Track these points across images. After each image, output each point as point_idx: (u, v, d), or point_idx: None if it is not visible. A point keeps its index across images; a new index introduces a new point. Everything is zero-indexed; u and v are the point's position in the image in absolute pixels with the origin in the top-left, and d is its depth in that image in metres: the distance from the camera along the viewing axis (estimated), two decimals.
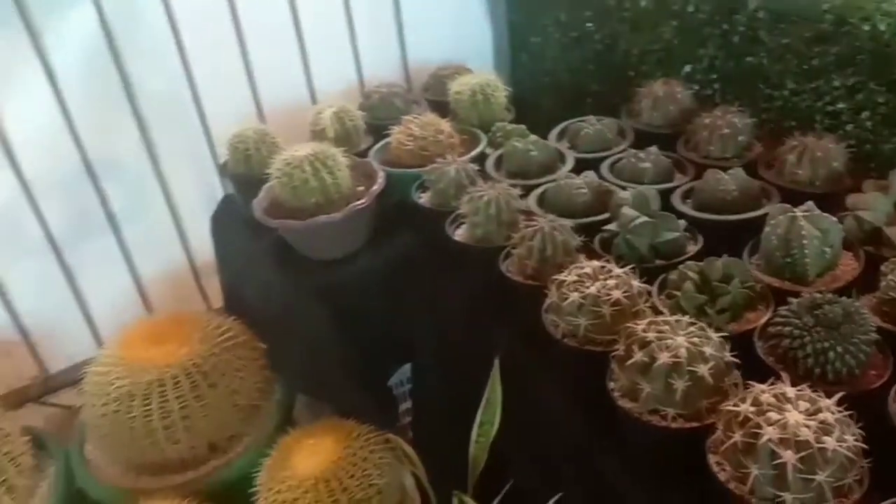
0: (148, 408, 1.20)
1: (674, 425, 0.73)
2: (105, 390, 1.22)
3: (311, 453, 1.16)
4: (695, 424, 0.72)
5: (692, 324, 0.77)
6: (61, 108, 1.38)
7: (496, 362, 1.03)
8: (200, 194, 1.58)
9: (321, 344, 1.24)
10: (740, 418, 0.66)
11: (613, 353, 0.78)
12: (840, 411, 0.65)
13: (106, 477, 1.28)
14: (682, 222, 0.97)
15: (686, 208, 1.03)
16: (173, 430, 1.21)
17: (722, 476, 0.67)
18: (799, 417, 0.64)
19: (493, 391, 1.06)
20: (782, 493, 0.63)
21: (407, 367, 1.36)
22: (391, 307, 1.22)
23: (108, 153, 1.45)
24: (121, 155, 1.47)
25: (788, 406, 0.65)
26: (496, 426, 1.07)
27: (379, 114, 1.44)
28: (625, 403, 0.76)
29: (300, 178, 1.16)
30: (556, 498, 0.93)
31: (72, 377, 1.60)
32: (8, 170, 1.38)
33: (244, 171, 1.32)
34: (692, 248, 0.97)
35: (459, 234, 1.09)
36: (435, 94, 1.53)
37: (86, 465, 1.30)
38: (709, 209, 1.02)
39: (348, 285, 1.21)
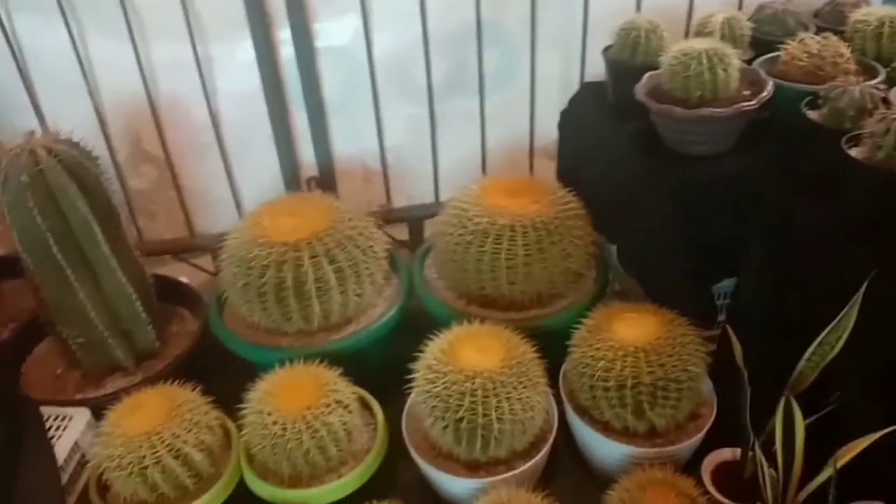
0: (498, 246, 1.35)
1: None
2: (463, 223, 1.39)
3: (633, 325, 1.25)
4: None
5: None
6: None
7: (864, 285, 1.03)
8: (559, 79, 1.69)
9: (660, 233, 1.31)
10: None
11: None
12: None
13: (440, 297, 1.48)
14: None
15: None
16: (514, 272, 1.36)
17: None
18: None
19: (849, 314, 1.06)
20: None
21: (730, 283, 1.38)
22: (741, 215, 1.25)
23: (497, 19, 1.60)
24: (507, 24, 1.61)
25: None
26: (837, 349, 1.09)
27: (767, 29, 1.43)
28: None
29: (696, 69, 1.20)
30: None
31: (406, 214, 1.83)
32: (417, 20, 1.57)
33: (627, 58, 1.39)
34: None
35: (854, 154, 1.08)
36: (827, 21, 1.47)
37: (425, 284, 1.51)
38: None
39: (706, 184, 1.25)
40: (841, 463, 1.01)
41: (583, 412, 1.28)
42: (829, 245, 1.10)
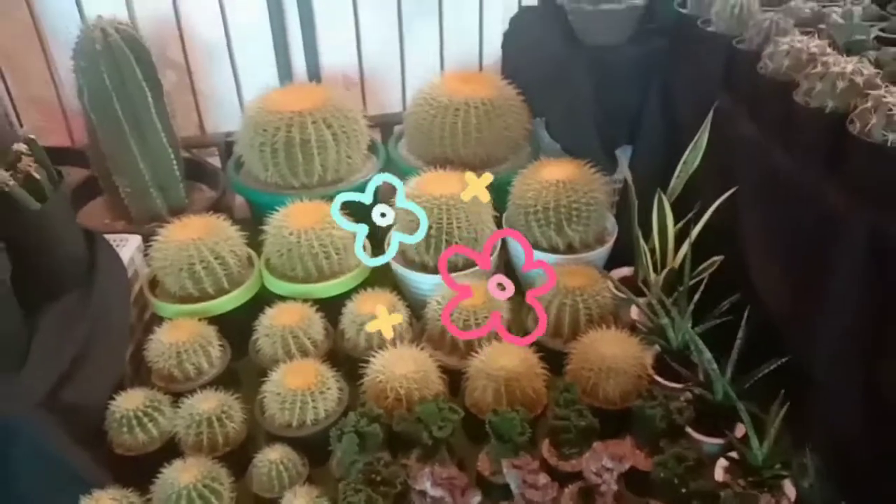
0: (456, 117, 1.79)
1: None
2: (430, 101, 1.82)
3: (555, 169, 1.68)
4: None
5: None
6: None
7: (710, 114, 1.48)
8: (502, 7, 2.13)
9: (576, 105, 1.75)
10: None
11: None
12: None
13: (411, 164, 1.89)
14: None
15: None
16: (468, 138, 1.79)
17: None
18: None
19: (702, 137, 1.52)
20: None
21: (628, 150, 1.83)
22: (636, 90, 1.70)
23: None
24: None
25: None
26: (696, 164, 1.54)
27: None
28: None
29: None
30: (731, 191, 1.39)
31: (378, 120, 2.21)
32: None
33: None
34: None
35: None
36: None
37: (399, 157, 1.93)
38: None
39: (609, 65, 1.70)
40: (694, 233, 1.46)
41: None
42: (695, 99, 1.55)
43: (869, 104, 1.08)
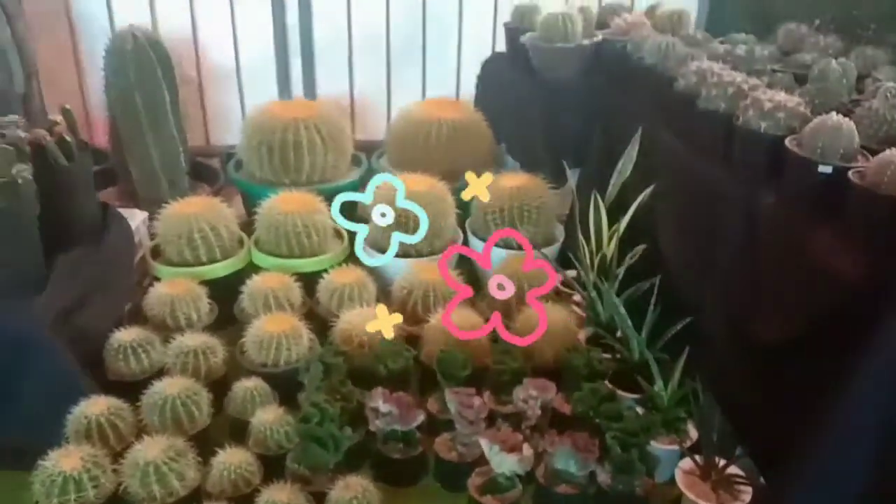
0: (429, 131, 2.07)
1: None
2: (408, 119, 2.11)
3: (512, 179, 1.95)
4: None
5: None
6: None
7: (640, 130, 1.76)
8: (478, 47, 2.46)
9: (533, 131, 2.04)
10: None
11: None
12: None
13: (387, 172, 2.16)
14: None
15: None
16: (438, 152, 2.08)
17: None
18: None
19: (631, 150, 1.79)
20: None
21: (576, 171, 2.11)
22: (586, 118, 1.99)
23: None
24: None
25: None
26: (628, 174, 1.81)
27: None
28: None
29: (555, 22, 1.98)
30: (650, 188, 1.65)
31: (364, 145, 2.49)
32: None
33: (520, 26, 2.17)
34: None
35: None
36: None
37: (379, 168, 2.20)
38: None
39: (562, 97, 2.00)
40: (622, 227, 1.72)
41: (476, 235, 1.96)
42: (628, 123, 1.84)
43: (748, 101, 1.36)
